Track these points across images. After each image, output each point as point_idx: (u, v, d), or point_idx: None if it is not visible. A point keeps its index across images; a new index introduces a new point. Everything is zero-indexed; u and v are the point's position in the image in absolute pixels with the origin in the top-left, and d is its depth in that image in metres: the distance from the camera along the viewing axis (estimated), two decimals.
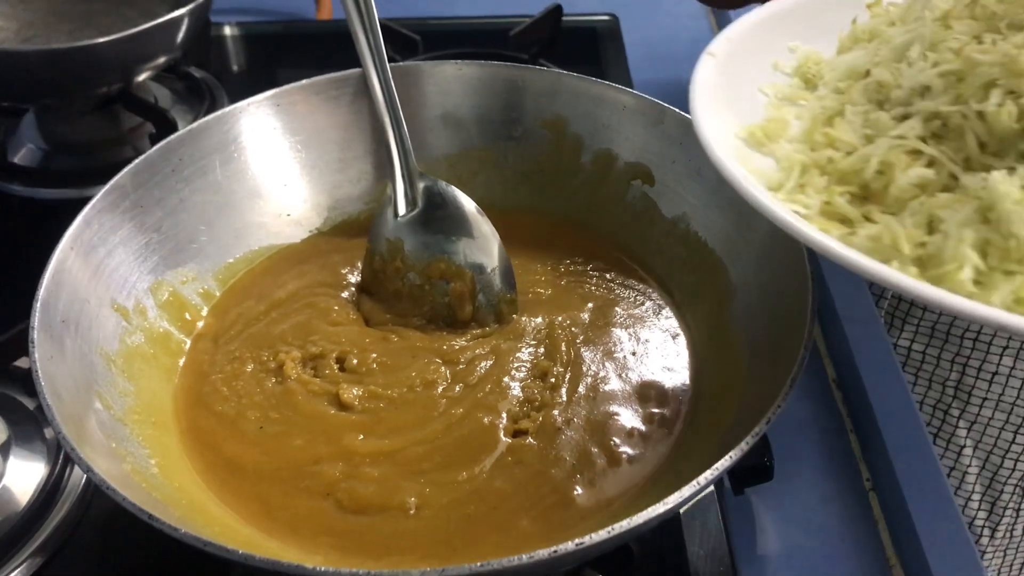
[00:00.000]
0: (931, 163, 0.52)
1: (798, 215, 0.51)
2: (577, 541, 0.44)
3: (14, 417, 0.68)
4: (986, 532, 0.98)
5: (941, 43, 0.54)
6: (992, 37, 0.52)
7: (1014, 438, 0.94)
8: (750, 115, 0.61)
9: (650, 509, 0.45)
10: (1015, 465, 0.95)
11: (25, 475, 0.65)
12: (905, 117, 0.54)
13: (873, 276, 0.46)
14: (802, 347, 0.53)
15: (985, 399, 0.93)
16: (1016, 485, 0.96)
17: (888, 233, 0.49)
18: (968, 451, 0.95)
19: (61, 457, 0.66)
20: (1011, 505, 0.97)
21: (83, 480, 0.67)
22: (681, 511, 0.64)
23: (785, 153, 0.57)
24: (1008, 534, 0.98)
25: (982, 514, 0.97)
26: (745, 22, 0.67)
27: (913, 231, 0.49)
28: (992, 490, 0.96)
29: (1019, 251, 0.46)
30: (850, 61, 0.61)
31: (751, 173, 0.54)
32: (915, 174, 0.51)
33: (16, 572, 0.61)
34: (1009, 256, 0.46)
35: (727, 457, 0.47)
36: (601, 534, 0.44)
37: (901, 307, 0.94)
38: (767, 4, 0.68)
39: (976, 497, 0.97)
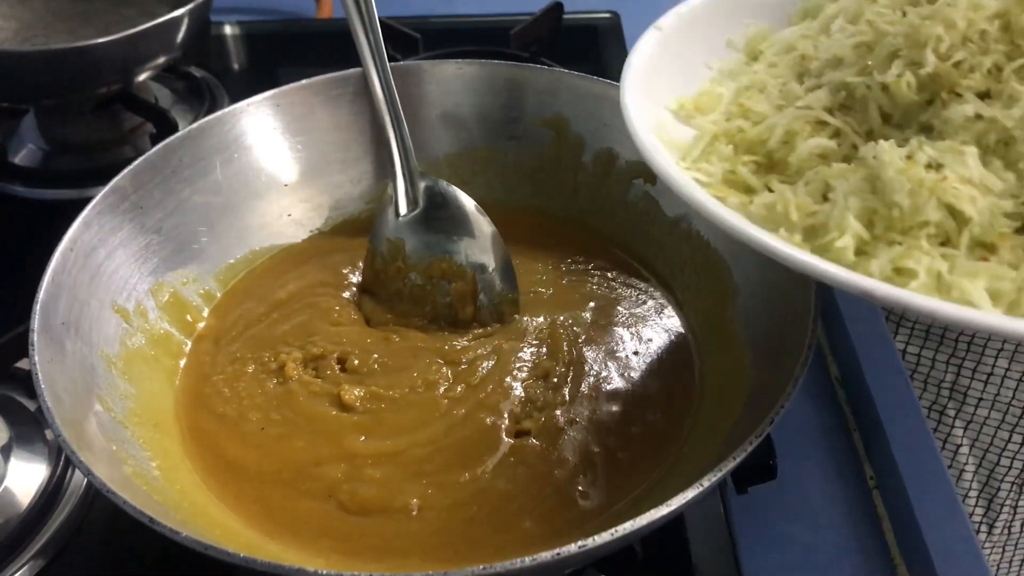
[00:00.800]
0: (836, 134, 0.52)
1: (699, 182, 0.52)
2: (580, 543, 0.44)
3: (16, 418, 0.69)
4: (983, 528, 0.98)
5: (862, 16, 0.54)
6: (912, 10, 0.52)
7: (1010, 436, 0.94)
8: (693, 89, 0.61)
9: (653, 511, 0.45)
10: (1011, 463, 0.95)
11: (27, 477, 0.65)
12: (818, 88, 0.54)
13: (751, 242, 0.46)
14: (805, 346, 0.53)
15: (981, 399, 0.93)
16: (1013, 482, 0.96)
17: (781, 201, 0.50)
18: (965, 449, 0.96)
19: (63, 459, 0.67)
20: (1008, 502, 0.97)
21: (85, 482, 0.67)
22: (685, 511, 0.64)
23: (701, 123, 0.57)
24: (1006, 531, 0.98)
25: (979, 511, 0.98)
26: None
27: (804, 200, 0.49)
28: (989, 487, 0.97)
29: (902, 221, 0.46)
30: (787, 35, 0.62)
31: (668, 143, 0.55)
32: (814, 143, 0.52)
33: (18, 574, 0.61)
34: (893, 226, 0.46)
35: (730, 458, 0.47)
36: (604, 536, 0.44)
37: (895, 310, 0.94)
38: None
39: (973, 494, 0.97)
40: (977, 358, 0.92)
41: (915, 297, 0.42)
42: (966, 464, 0.97)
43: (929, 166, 0.46)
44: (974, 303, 0.43)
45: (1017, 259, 0.45)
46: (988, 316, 0.42)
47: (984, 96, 0.49)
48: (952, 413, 0.95)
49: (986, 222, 0.45)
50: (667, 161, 0.52)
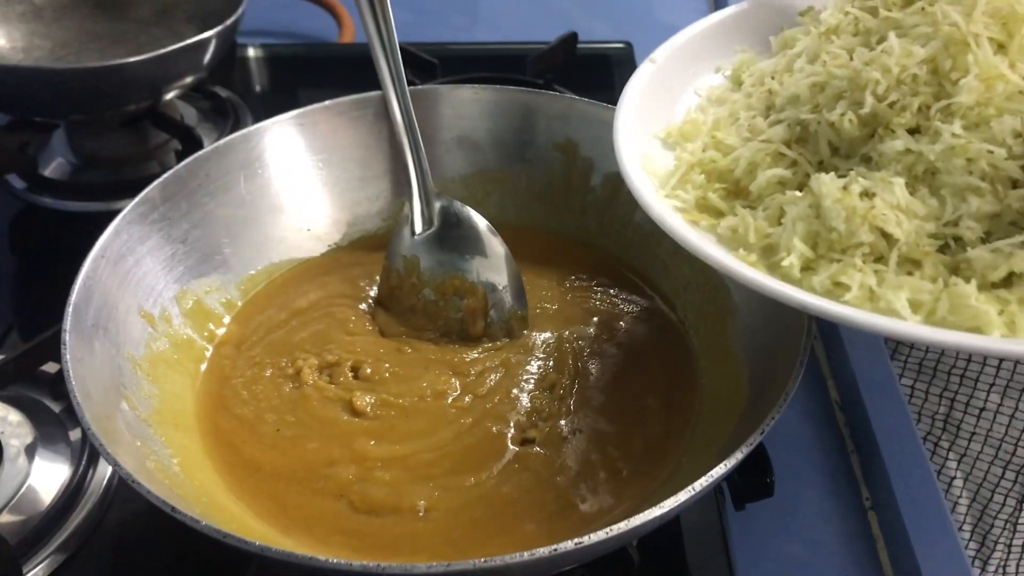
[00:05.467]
0: (793, 164, 0.58)
1: (676, 208, 0.58)
2: (576, 540, 0.46)
3: (40, 420, 0.71)
4: (977, 564, 0.97)
5: (819, 56, 0.60)
6: (862, 51, 0.57)
7: (1003, 473, 0.93)
8: (683, 116, 0.67)
9: (647, 512, 0.47)
10: (1004, 500, 0.94)
11: (49, 476, 0.67)
12: (779, 123, 0.59)
13: (709, 259, 0.53)
14: (797, 363, 0.55)
15: (973, 434, 0.93)
16: (1006, 520, 0.95)
17: (743, 224, 0.55)
18: (959, 483, 0.95)
19: (84, 459, 0.69)
20: (1002, 540, 0.96)
21: (104, 482, 0.69)
22: (682, 523, 0.66)
23: (680, 154, 0.63)
24: (1001, 569, 0.97)
25: (973, 545, 0.96)
26: (693, 29, 0.71)
27: (761, 223, 0.55)
28: (983, 523, 0.96)
29: (840, 242, 0.52)
30: (762, 68, 0.66)
31: (652, 172, 0.61)
32: (771, 173, 0.58)
33: (39, 568, 0.63)
34: (833, 247, 0.52)
35: (722, 465, 0.49)
36: (600, 534, 0.46)
37: (890, 342, 0.94)
38: (718, 12, 0.72)
39: (967, 529, 0.96)
40: (969, 392, 0.92)
41: (838, 308, 0.48)
42: (960, 497, 0.96)
43: (863, 195, 0.52)
44: (896, 311, 0.48)
45: (937, 273, 0.50)
46: (901, 324, 0.47)
47: (915, 132, 0.54)
48: (946, 445, 0.95)
49: (912, 242, 0.51)
50: (648, 191, 0.58)
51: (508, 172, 0.82)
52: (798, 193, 0.55)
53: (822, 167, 0.57)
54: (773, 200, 0.56)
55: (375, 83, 0.75)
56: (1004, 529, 0.96)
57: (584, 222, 0.80)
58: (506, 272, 0.74)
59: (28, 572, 0.63)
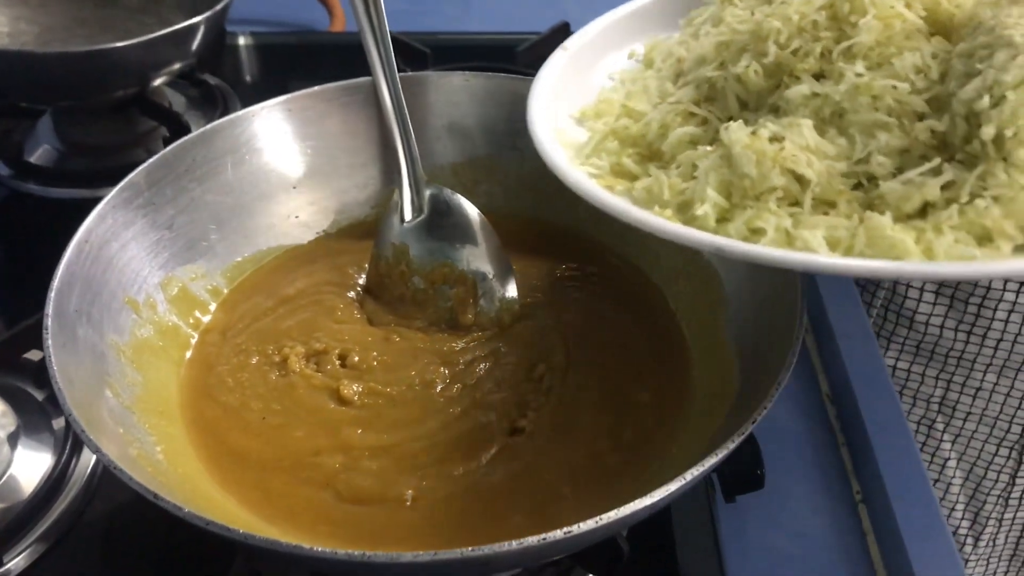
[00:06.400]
0: (704, 122, 0.59)
1: (590, 175, 0.58)
2: (565, 530, 0.45)
3: (23, 408, 0.70)
4: (969, 541, 0.99)
5: (723, 20, 0.60)
6: (763, 8, 0.58)
7: (996, 450, 0.95)
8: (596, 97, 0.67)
9: (636, 502, 0.46)
10: (998, 476, 0.96)
11: (32, 465, 0.67)
12: (687, 85, 0.60)
13: (627, 218, 0.53)
14: (789, 353, 0.55)
15: (969, 413, 0.95)
16: (999, 496, 0.97)
17: (657, 183, 0.56)
18: (952, 463, 0.97)
19: (67, 448, 0.68)
20: (994, 515, 0.98)
21: (88, 471, 0.68)
22: (672, 515, 0.66)
23: (593, 125, 0.63)
24: (991, 543, 0.99)
25: (965, 523, 0.99)
26: (606, 18, 0.72)
27: (675, 180, 0.56)
28: (975, 500, 0.98)
29: (753, 188, 0.52)
30: (670, 44, 0.67)
31: (567, 145, 0.61)
32: (682, 131, 0.58)
33: (20, 558, 0.63)
34: (747, 194, 0.52)
35: (713, 455, 0.48)
36: (588, 523, 0.45)
37: (886, 327, 0.95)
38: (629, 3, 0.73)
39: (960, 507, 0.98)
40: (966, 373, 0.94)
41: (754, 248, 0.48)
42: (953, 477, 0.98)
43: (772, 139, 0.52)
44: (813, 249, 0.48)
45: (852, 211, 0.50)
46: (817, 258, 0.47)
47: (820, 77, 0.55)
48: (941, 427, 0.97)
49: (824, 182, 0.51)
50: (561, 159, 0.59)
51: (499, 160, 0.81)
52: (709, 148, 0.56)
53: (732, 122, 0.57)
54: (686, 157, 0.56)
55: (366, 72, 0.75)
56: (996, 505, 0.98)
57: (575, 211, 0.78)
58: (496, 261, 0.73)
59: (9, 561, 0.63)
